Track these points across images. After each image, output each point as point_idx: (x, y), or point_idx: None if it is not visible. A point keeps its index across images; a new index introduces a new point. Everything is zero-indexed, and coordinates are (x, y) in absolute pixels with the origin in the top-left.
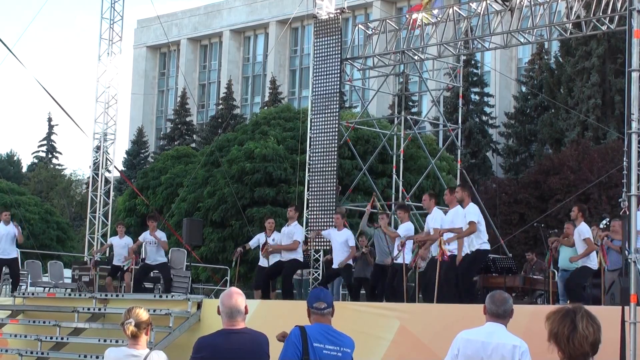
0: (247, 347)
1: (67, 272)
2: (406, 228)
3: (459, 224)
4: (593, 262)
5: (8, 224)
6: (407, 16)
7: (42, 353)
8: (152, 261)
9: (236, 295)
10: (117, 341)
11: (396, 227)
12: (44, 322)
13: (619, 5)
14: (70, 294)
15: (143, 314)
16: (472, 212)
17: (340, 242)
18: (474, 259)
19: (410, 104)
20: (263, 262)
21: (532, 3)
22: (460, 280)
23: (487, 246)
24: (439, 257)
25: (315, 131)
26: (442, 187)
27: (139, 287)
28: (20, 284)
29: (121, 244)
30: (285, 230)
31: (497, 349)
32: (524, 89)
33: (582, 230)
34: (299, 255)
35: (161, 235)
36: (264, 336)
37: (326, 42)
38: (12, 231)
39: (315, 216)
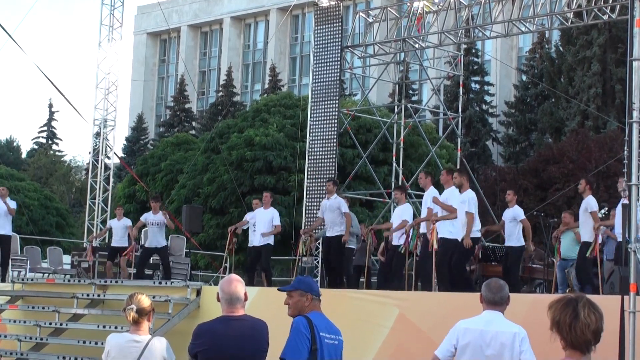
0: (246, 333)
1: (67, 258)
2: (403, 209)
3: (454, 205)
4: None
5: (4, 199)
6: (409, 4)
7: (41, 339)
8: (153, 244)
9: (236, 282)
10: (116, 327)
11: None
12: (43, 308)
13: None
14: (69, 280)
15: (145, 301)
16: (471, 202)
17: (266, 220)
18: (464, 248)
19: (411, 92)
20: (253, 242)
21: None
22: (453, 271)
23: (477, 234)
24: (430, 247)
25: (315, 119)
26: None
27: (141, 273)
28: (19, 269)
29: (120, 225)
30: (327, 204)
31: (497, 336)
32: (524, 78)
33: (590, 203)
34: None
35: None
36: (264, 323)
37: (327, 30)
38: (4, 207)
39: (314, 204)
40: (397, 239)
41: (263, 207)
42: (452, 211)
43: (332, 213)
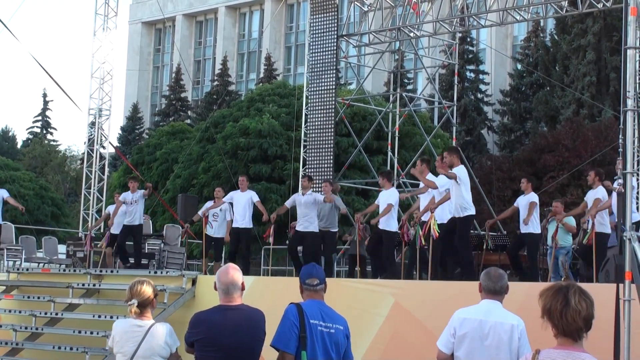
0: (243, 323)
1: (62, 248)
2: (389, 193)
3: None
4: (606, 226)
5: None
6: None
7: (37, 328)
8: (129, 222)
9: (232, 271)
10: (111, 317)
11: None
12: (39, 298)
13: None
14: (64, 270)
15: (146, 290)
16: (457, 172)
17: (245, 201)
18: (460, 228)
19: (406, 81)
20: (210, 232)
21: None
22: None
23: (472, 211)
24: (422, 233)
25: (311, 108)
26: None
27: (124, 252)
28: (14, 259)
29: (118, 212)
30: (302, 200)
31: (495, 327)
32: (519, 66)
33: (597, 192)
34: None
35: (143, 193)
36: (261, 313)
37: (322, 19)
38: None
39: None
40: (383, 224)
41: (240, 190)
42: (433, 186)
43: (307, 208)
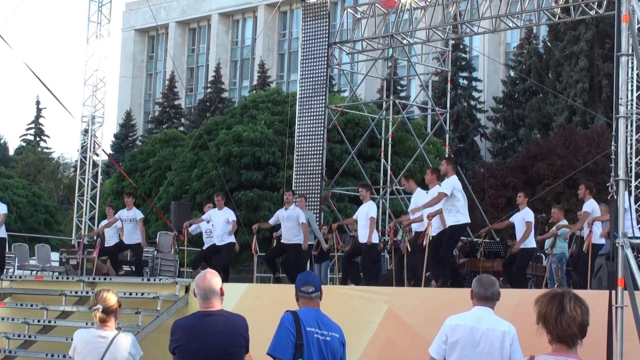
0: (222, 329)
1: (55, 256)
2: (368, 206)
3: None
4: (596, 237)
5: None
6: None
7: (30, 336)
8: (126, 241)
9: (210, 277)
10: None
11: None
12: (32, 305)
13: None
14: (57, 277)
15: (111, 299)
16: (446, 184)
17: (222, 220)
18: (450, 236)
19: (399, 88)
20: (212, 242)
21: None
22: (441, 260)
23: (464, 220)
24: (420, 241)
25: (303, 115)
26: None
27: (116, 263)
28: (7, 267)
29: (111, 227)
30: (285, 215)
31: (487, 334)
32: (512, 73)
33: (586, 206)
34: (301, 240)
35: (139, 213)
36: (242, 319)
37: (315, 26)
38: None
39: None
40: (363, 237)
41: (217, 209)
42: (437, 201)
43: (291, 222)
